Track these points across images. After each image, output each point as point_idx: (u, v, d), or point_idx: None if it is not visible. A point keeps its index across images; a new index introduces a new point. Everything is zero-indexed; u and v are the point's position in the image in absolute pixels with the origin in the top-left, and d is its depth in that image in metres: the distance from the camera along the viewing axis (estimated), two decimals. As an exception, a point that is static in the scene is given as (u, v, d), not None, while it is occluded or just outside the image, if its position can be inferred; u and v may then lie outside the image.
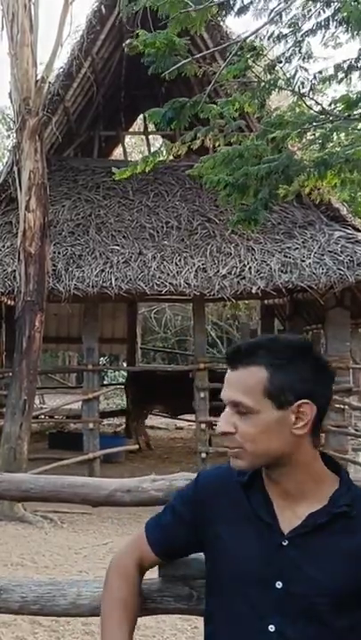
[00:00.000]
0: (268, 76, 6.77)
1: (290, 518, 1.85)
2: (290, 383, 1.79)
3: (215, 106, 6.77)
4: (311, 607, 1.78)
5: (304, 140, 7.54)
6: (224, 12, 6.20)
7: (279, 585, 1.81)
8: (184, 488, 2.12)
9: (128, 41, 6.05)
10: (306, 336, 16.14)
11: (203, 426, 11.51)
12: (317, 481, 1.87)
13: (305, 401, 1.77)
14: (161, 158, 7.93)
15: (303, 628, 1.78)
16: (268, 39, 6.31)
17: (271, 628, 1.80)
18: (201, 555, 2.13)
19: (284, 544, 1.82)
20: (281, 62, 6.52)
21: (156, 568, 2.37)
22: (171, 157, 8.04)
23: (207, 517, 1.97)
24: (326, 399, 1.83)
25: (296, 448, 1.81)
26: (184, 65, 6.08)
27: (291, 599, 1.79)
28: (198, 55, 7.09)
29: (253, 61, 6.45)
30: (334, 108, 7.12)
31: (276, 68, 6.65)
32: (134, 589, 2.08)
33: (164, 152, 8.04)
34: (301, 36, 6.27)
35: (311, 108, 7.04)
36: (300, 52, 6.36)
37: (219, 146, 7.04)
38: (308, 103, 7.00)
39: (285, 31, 6.24)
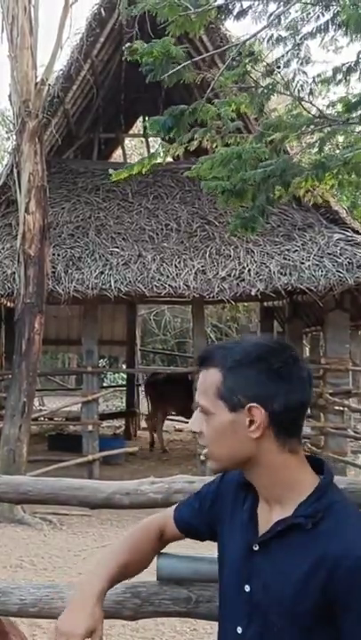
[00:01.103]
0: (267, 81, 6.77)
1: (266, 522, 1.84)
2: (241, 386, 1.78)
3: (212, 107, 6.76)
4: (267, 616, 1.76)
5: (303, 143, 7.55)
6: (223, 16, 6.20)
7: (247, 589, 1.81)
8: (213, 480, 2.14)
9: (127, 44, 6.03)
10: (292, 339, 16.16)
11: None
12: (289, 487, 1.81)
13: (254, 405, 1.75)
14: (158, 160, 7.92)
15: (261, 634, 1.78)
16: (268, 42, 6.30)
17: (239, 629, 1.82)
18: (198, 557, 2.15)
19: (255, 548, 1.82)
20: (280, 67, 6.51)
21: (153, 572, 2.38)
22: (168, 159, 8.03)
23: (219, 514, 2.01)
24: (282, 405, 1.76)
25: (258, 451, 1.79)
26: (183, 73, 6.07)
27: (254, 605, 1.79)
28: (197, 58, 7.09)
29: (252, 67, 6.44)
30: (333, 111, 7.12)
31: (275, 72, 6.64)
32: (147, 545, 2.15)
33: (162, 153, 8.03)
34: (300, 39, 6.27)
35: (309, 112, 7.04)
36: (298, 57, 6.36)
37: (217, 147, 7.03)
38: (306, 106, 7.00)
39: (284, 34, 6.23)
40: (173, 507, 2.19)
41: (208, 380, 1.83)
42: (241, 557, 1.85)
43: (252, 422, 1.77)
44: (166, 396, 14.62)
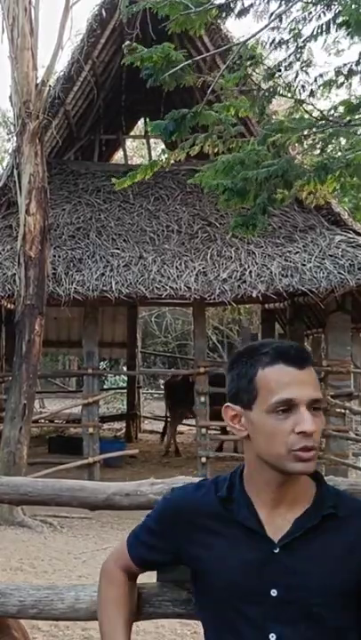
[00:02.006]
0: (268, 84, 6.76)
1: (279, 524, 1.83)
2: None
3: (213, 112, 6.75)
4: (309, 611, 1.77)
5: (305, 145, 7.53)
6: (224, 15, 6.18)
7: (274, 593, 1.79)
8: (157, 507, 2.10)
9: (127, 43, 6.02)
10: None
11: (203, 430, 11.48)
12: (306, 482, 1.89)
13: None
14: (160, 166, 7.91)
15: (304, 633, 1.77)
16: (269, 45, 6.30)
17: (272, 636, 1.78)
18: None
19: (276, 551, 1.80)
20: (281, 70, 6.50)
21: (153, 573, 2.35)
22: (170, 163, 8.02)
23: (186, 535, 1.95)
24: None
25: None
26: (183, 76, 6.07)
27: (288, 606, 1.77)
28: (198, 57, 7.08)
29: (253, 70, 6.44)
30: (334, 113, 7.10)
31: (276, 75, 6.63)
32: (124, 590, 2.13)
33: (164, 159, 8.02)
34: (302, 41, 6.26)
35: (311, 114, 7.02)
36: (299, 60, 6.35)
37: (217, 152, 7.03)
38: (307, 108, 6.99)
39: (286, 37, 6.23)
40: (120, 545, 2.15)
41: (315, 376, 1.85)
42: (256, 565, 1.81)
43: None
44: (184, 398, 14.47)
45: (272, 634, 1.77)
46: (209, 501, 1.93)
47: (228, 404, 1.91)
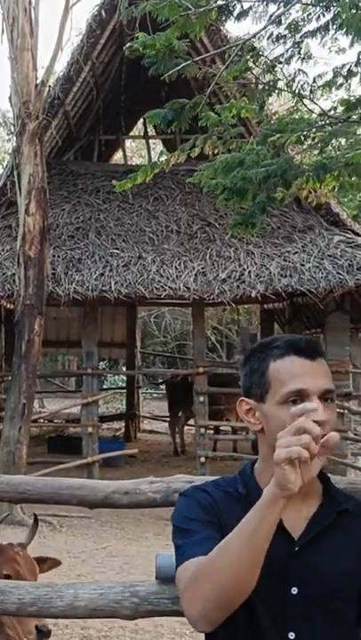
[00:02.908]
0: (268, 77, 6.78)
1: (296, 519, 1.83)
2: None
3: (213, 114, 6.77)
4: (328, 606, 1.78)
5: (304, 145, 7.54)
6: (224, 17, 6.20)
7: (295, 591, 1.79)
8: (183, 502, 1.91)
9: (128, 44, 6.04)
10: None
11: (202, 430, 11.49)
12: (316, 478, 1.84)
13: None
14: (160, 168, 7.92)
15: (323, 630, 1.78)
16: (268, 39, 6.31)
17: (291, 635, 1.77)
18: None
19: (297, 549, 1.81)
20: (281, 63, 6.51)
21: (152, 571, 2.37)
22: (170, 164, 8.04)
23: (223, 524, 1.84)
24: None
25: None
26: (184, 67, 6.08)
27: (308, 603, 1.78)
28: (198, 58, 7.09)
29: (253, 62, 6.45)
30: (334, 113, 7.11)
31: (276, 69, 6.64)
32: None
33: (164, 161, 8.03)
34: (301, 37, 6.28)
35: (312, 111, 7.04)
36: (299, 53, 6.36)
37: (218, 153, 7.03)
38: (307, 106, 7.00)
39: (285, 32, 6.24)
40: (181, 569, 1.78)
41: (327, 368, 1.85)
42: (276, 564, 1.76)
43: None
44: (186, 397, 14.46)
45: (291, 632, 1.77)
46: (231, 497, 1.91)
47: (243, 398, 1.91)
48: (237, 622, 1.80)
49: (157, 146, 20.63)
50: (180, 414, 15.10)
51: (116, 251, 11.30)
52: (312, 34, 6.21)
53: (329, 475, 2.00)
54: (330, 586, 1.79)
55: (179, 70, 5.95)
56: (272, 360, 1.85)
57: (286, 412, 1.73)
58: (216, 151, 7.11)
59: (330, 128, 6.66)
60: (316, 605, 1.78)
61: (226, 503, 1.87)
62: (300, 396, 1.78)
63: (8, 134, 23.36)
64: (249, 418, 1.89)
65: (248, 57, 6.25)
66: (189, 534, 1.82)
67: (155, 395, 25.02)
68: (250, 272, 10.71)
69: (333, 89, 7.16)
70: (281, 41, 6.31)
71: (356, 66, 6.61)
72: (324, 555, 1.81)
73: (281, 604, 1.79)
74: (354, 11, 5.69)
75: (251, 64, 6.44)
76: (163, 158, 8.33)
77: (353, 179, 7.12)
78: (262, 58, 6.52)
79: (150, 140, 16.14)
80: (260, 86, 6.72)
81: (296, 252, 10.99)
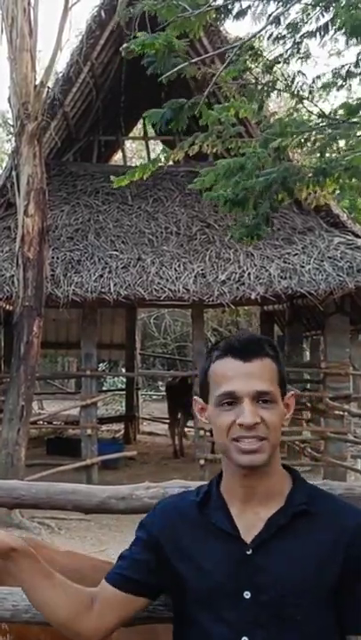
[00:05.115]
0: (267, 77, 6.76)
1: (252, 522, 1.81)
2: (285, 375, 1.87)
3: (213, 112, 6.75)
4: (282, 612, 1.74)
5: (304, 149, 7.53)
6: (222, 16, 6.18)
7: (247, 595, 1.76)
8: (137, 536, 1.98)
9: (124, 45, 6.03)
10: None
11: (201, 432, 11.46)
12: (281, 479, 1.87)
13: (293, 392, 1.83)
14: (160, 164, 7.91)
15: (276, 636, 1.74)
16: (268, 39, 6.30)
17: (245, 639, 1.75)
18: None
19: (249, 553, 1.78)
20: (280, 62, 6.50)
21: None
22: (170, 163, 8.02)
23: (167, 552, 1.88)
24: None
25: (280, 441, 1.84)
26: (184, 67, 6.07)
27: (260, 608, 1.75)
28: (197, 59, 7.07)
29: (252, 62, 6.44)
30: (334, 115, 7.10)
31: (275, 69, 6.63)
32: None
33: (163, 159, 8.02)
34: (300, 37, 6.26)
35: (311, 112, 7.02)
36: (298, 53, 6.35)
37: (217, 152, 7.02)
38: (307, 107, 6.98)
39: (285, 32, 6.22)
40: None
41: (268, 369, 1.82)
42: (230, 568, 1.79)
43: (287, 410, 1.85)
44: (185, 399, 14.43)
45: (244, 637, 1.75)
46: (185, 509, 1.92)
47: (195, 397, 1.94)
48: (197, 624, 1.81)
49: (157, 147, 20.62)
50: (179, 416, 15.09)
51: (115, 252, 11.27)
52: (311, 34, 6.19)
53: (326, 480, 1.98)
54: (284, 592, 1.74)
55: (178, 70, 5.94)
56: (212, 361, 1.86)
57: (219, 412, 1.80)
58: (215, 150, 7.10)
59: (330, 131, 6.64)
60: (271, 612, 1.74)
61: (175, 519, 1.91)
62: (231, 398, 1.79)
63: (7, 135, 23.34)
64: (202, 417, 1.91)
65: (247, 57, 6.23)
66: (131, 548, 1.97)
67: (154, 396, 24.99)
68: (250, 274, 10.68)
69: (334, 90, 7.15)
70: (280, 41, 6.29)
71: (355, 67, 6.59)
72: (278, 559, 1.77)
73: (236, 609, 1.77)
74: (353, 11, 5.67)
75: (250, 64, 6.42)
76: (161, 156, 8.29)
77: (353, 181, 7.12)
78: (261, 58, 6.50)
79: (150, 141, 16.11)
80: (260, 87, 6.69)
81: (296, 254, 10.97)
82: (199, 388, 1.93)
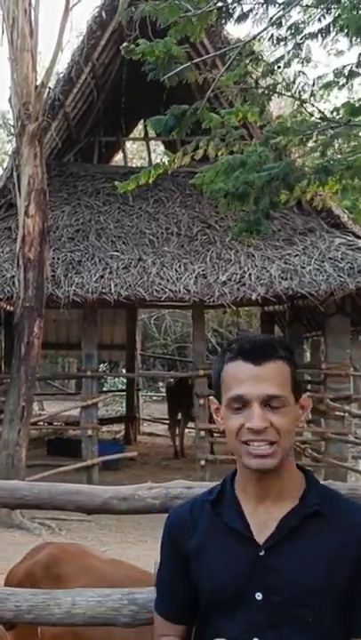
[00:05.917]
0: (268, 81, 6.75)
1: (265, 521, 1.82)
2: (299, 377, 1.85)
3: (216, 115, 6.75)
4: (293, 613, 1.74)
5: (306, 148, 7.53)
6: (223, 19, 6.18)
7: (259, 596, 1.77)
8: (164, 534, 2.01)
9: (125, 44, 6.02)
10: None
11: (202, 433, 11.45)
12: (295, 479, 1.87)
13: (309, 394, 1.82)
14: (163, 169, 7.89)
15: (287, 637, 1.74)
16: (269, 40, 6.30)
17: None
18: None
19: (262, 554, 1.79)
20: (280, 67, 6.50)
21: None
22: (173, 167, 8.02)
23: (187, 552, 1.91)
24: None
25: (293, 443, 1.84)
26: (184, 72, 6.06)
27: (272, 609, 1.75)
28: (198, 60, 7.07)
29: (253, 66, 6.43)
30: (336, 115, 7.10)
31: (276, 71, 6.63)
32: None
33: (166, 163, 8.01)
34: (301, 38, 6.26)
35: (312, 115, 7.01)
36: (299, 56, 6.34)
37: (221, 154, 7.01)
38: (308, 109, 6.98)
39: (286, 34, 6.22)
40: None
41: (280, 372, 1.80)
42: (242, 568, 1.79)
43: (303, 411, 1.85)
44: (186, 400, 14.41)
45: (255, 638, 1.75)
46: (199, 510, 1.93)
47: (210, 397, 1.95)
48: (210, 625, 1.83)
49: (158, 147, 20.60)
50: (179, 417, 15.08)
51: (115, 253, 11.27)
52: (313, 36, 6.19)
53: (330, 480, 1.98)
54: (295, 593, 1.75)
55: (179, 75, 5.93)
56: (225, 363, 1.86)
57: (230, 415, 1.81)
58: (219, 153, 7.09)
59: (331, 131, 6.64)
60: (282, 613, 1.75)
61: (191, 520, 1.92)
62: (241, 402, 1.79)
63: (8, 136, 23.33)
64: (217, 417, 1.92)
65: (247, 60, 6.22)
66: (161, 564, 2.01)
67: (155, 397, 24.97)
68: (250, 274, 10.68)
69: (335, 90, 7.15)
70: (282, 43, 6.29)
71: (357, 67, 6.59)
72: (290, 560, 1.77)
73: (248, 610, 1.77)
74: (354, 12, 5.67)
75: (250, 68, 6.42)
76: (164, 159, 8.28)
77: (355, 181, 7.11)
78: (262, 61, 6.50)
79: (151, 142, 16.09)
80: (261, 90, 6.69)
81: (297, 255, 10.97)
82: (213, 389, 1.93)
